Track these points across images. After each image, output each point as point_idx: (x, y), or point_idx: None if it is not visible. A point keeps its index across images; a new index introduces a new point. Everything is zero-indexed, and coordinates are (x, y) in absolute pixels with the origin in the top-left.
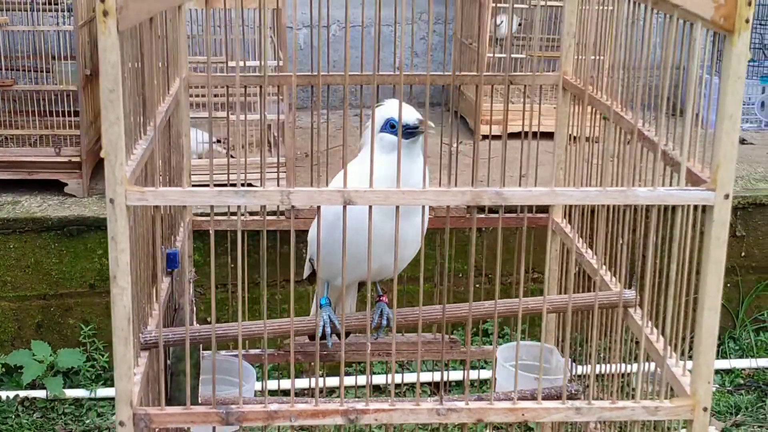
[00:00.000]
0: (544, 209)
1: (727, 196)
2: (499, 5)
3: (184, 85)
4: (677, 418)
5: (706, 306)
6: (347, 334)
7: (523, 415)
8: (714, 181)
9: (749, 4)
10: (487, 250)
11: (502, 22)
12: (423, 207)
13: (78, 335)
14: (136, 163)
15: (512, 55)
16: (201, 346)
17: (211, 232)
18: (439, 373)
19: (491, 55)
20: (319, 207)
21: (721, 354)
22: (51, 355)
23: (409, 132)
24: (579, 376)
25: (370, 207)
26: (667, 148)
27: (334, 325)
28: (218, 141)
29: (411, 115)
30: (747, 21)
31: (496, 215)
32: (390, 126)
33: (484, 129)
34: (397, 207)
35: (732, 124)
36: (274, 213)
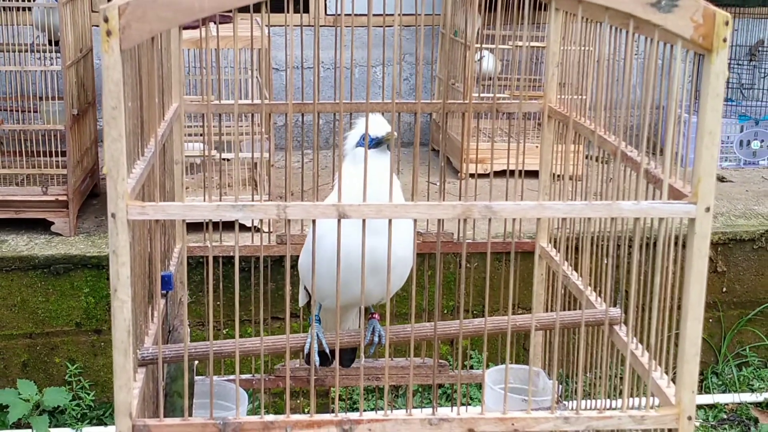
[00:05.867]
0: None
1: (708, 209)
2: (482, 46)
3: (179, 113)
4: (663, 426)
5: (689, 316)
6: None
7: (513, 424)
8: (695, 195)
9: (726, 23)
10: (473, 287)
11: (483, 56)
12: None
13: (64, 374)
14: (136, 180)
15: (486, 95)
16: (195, 369)
17: (209, 245)
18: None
19: (476, 94)
20: (314, 221)
21: (704, 389)
22: (37, 393)
23: (378, 142)
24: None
25: (364, 221)
26: (649, 167)
27: (321, 343)
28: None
29: (380, 128)
30: (724, 40)
31: (482, 241)
32: (362, 139)
33: (469, 168)
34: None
35: (711, 139)
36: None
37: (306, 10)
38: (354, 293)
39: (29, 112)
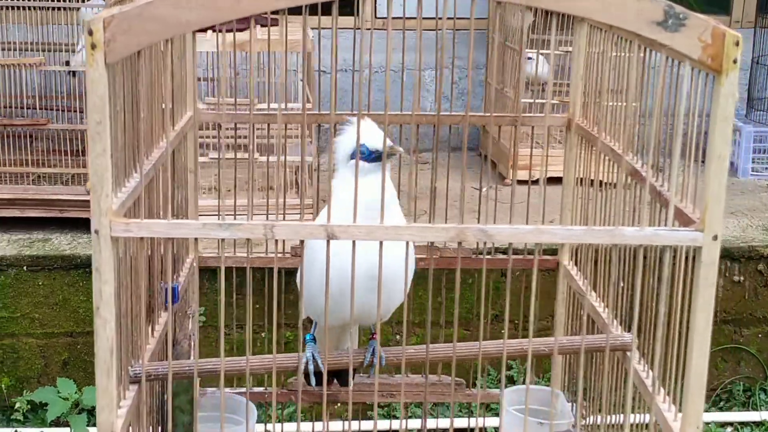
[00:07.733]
0: (554, 251)
1: (715, 237)
2: (531, 50)
3: (193, 121)
4: None
5: (695, 348)
6: (337, 372)
7: None
8: (702, 222)
9: (736, 44)
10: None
11: (531, 58)
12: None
13: None
14: (127, 195)
15: (540, 101)
16: (198, 382)
17: (194, 264)
18: (443, 419)
19: (526, 100)
20: (302, 242)
21: (752, 406)
22: (76, 392)
23: (378, 157)
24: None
25: (354, 242)
26: (662, 189)
27: (317, 363)
28: None
29: (379, 139)
30: (735, 61)
31: (504, 256)
32: (361, 152)
33: (517, 174)
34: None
35: (720, 164)
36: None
37: (351, 12)
38: (349, 312)
39: (77, 112)
